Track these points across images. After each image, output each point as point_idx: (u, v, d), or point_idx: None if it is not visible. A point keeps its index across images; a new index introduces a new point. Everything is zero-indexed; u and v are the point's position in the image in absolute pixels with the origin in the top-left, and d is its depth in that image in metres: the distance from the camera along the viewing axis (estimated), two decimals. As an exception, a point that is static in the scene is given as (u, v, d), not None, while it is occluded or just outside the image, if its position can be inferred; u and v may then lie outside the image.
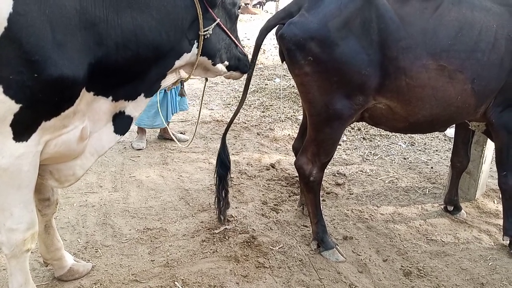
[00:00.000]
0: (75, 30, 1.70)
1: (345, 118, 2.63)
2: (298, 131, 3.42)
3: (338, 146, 4.84)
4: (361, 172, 4.26)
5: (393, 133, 5.19)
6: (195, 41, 2.13)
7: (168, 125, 5.01)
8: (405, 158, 4.65)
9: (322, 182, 3.12)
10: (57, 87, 1.68)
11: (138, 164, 4.32)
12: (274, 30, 2.78)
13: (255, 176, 4.10)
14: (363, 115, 2.76)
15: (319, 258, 2.86)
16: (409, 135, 5.10)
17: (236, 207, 3.45)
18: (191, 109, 5.98)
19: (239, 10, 2.42)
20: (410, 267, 2.78)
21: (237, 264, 2.74)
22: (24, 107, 1.64)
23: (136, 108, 2.13)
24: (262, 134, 5.29)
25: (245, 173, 4.14)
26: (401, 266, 2.80)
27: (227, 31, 2.30)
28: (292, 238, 3.08)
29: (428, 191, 3.89)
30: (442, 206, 3.55)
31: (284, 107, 6.33)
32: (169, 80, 2.21)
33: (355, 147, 4.96)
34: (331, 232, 3.12)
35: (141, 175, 4.06)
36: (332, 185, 3.95)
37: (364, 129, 5.45)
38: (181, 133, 5.28)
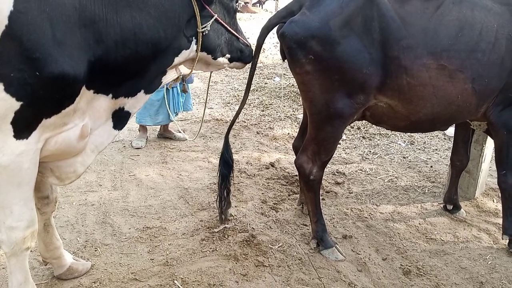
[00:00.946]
0: (74, 28, 1.71)
1: (346, 117, 2.63)
2: (298, 130, 3.42)
3: (338, 145, 4.84)
4: (361, 171, 4.26)
5: (393, 132, 5.20)
6: (194, 38, 2.13)
7: (168, 123, 5.01)
8: (404, 157, 4.65)
9: (322, 181, 3.13)
10: (58, 85, 1.68)
11: (138, 163, 4.31)
12: (275, 29, 2.78)
13: (254, 175, 4.10)
14: (364, 113, 2.76)
15: (319, 257, 2.86)
16: (408, 134, 5.10)
17: (235, 206, 3.44)
18: (190, 108, 5.97)
19: (237, 4, 2.40)
20: (410, 266, 2.78)
21: (236, 263, 2.74)
22: (25, 104, 1.64)
23: (135, 104, 2.13)
24: (262, 133, 5.28)
25: (244, 172, 4.14)
26: (401, 264, 2.80)
27: (226, 25, 2.30)
28: (291, 237, 3.08)
29: (428, 190, 3.89)
30: (442, 205, 3.55)
31: (284, 106, 6.33)
32: (170, 76, 2.21)
33: (354, 146, 4.96)
34: (330, 231, 3.12)
35: (141, 174, 4.06)
36: (332, 184, 3.95)
37: (364, 128, 5.45)
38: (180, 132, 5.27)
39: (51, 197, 2.34)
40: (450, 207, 3.46)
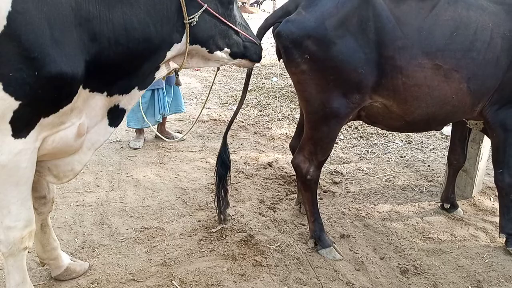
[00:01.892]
0: (71, 27, 1.71)
1: (342, 117, 2.64)
2: (295, 129, 3.43)
3: (335, 145, 4.86)
4: (358, 171, 4.27)
5: (390, 132, 5.21)
6: (184, 30, 2.07)
7: (164, 124, 5.00)
8: (402, 156, 4.67)
9: (319, 181, 3.13)
10: (56, 84, 1.68)
11: (135, 164, 4.31)
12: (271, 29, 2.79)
13: (252, 175, 4.10)
14: (360, 113, 2.76)
15: (316, 256, 2.87)
16: (405, 133, 5.12)
17: (233, 206, 3.45)
18: (187, 108, 5.97)
19: None
20: (407, 265, 2.79)
21: (234, 263, 2.74)
22: (24, 104, 1.64)
23: (130, 101, 2.13)
24: (259, 133, 5.29)
25: (242, 172, 4.15)
26: (398, 263, 2.81)
27: (219, 16, 2.19)
28: (289, 236, 3.09)
29: (425, 189, 3.90)
30: (439, 204, 3.56)
31: (281, 106, 6.34)
32: (163, 71, 2.17)
33: (352, 146, 4.98)
34: (328, 231, 3.13)
35: (138, 174, 4.06)
36: (329, 184, 3.96)
37: (361, 127, 5.46)
38: (178, 132, 5.27)
39: (48, 197, 2.34)
40: (447, 206, 3.47)
